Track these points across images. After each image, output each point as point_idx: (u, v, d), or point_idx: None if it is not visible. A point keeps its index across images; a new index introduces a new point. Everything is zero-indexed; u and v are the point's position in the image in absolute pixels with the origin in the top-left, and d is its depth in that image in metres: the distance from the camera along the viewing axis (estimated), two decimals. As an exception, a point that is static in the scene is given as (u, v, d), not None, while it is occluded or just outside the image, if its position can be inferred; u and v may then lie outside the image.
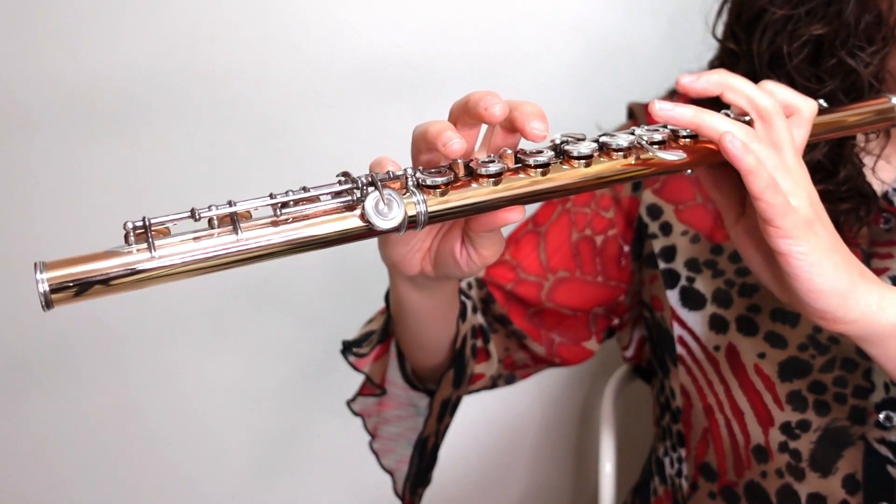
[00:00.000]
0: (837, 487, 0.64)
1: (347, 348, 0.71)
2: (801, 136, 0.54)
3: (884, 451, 0.63)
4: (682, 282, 0.72)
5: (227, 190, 0.98)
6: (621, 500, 0.87)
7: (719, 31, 0.71)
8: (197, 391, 1.08)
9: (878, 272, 0.66)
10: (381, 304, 0.72)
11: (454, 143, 0.45)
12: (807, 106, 0.54)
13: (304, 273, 1.05)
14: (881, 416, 0.64)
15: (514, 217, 0.48)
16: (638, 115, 0.78)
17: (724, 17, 0.71)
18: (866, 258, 0.66)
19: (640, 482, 0.82)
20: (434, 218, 0.46)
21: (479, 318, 0.75)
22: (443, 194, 0.46)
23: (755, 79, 0.65)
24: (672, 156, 0.51)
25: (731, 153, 0.48)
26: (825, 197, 0.64)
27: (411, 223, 0.45)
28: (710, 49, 0.74)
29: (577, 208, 0.76)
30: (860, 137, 0.67)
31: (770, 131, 0.51)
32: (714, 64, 0.75)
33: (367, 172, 0.46)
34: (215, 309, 1.04)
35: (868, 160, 0.67)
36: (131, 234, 0.39)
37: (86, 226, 0.96)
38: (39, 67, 0.94)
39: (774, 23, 0.64)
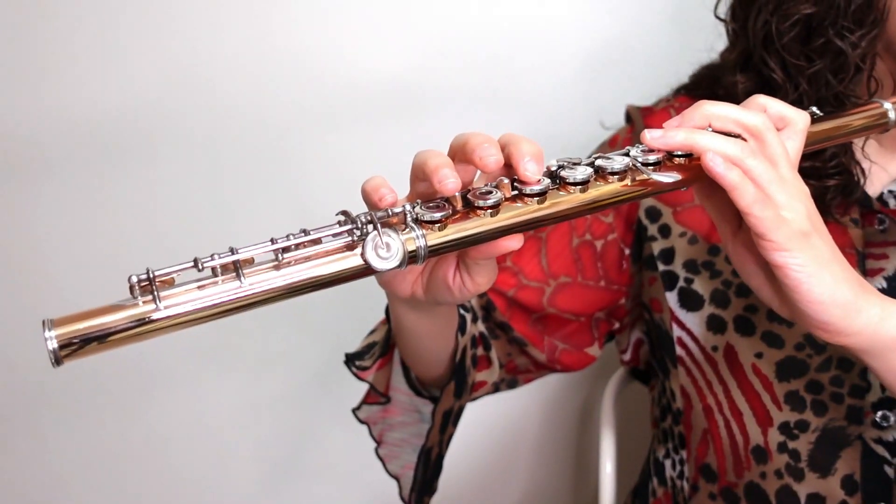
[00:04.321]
0: (836, 488, 0.65)
1: (350, 361, 0.71)
2: (795, 147, 0.54)
3: (881, 450, 0.65)
4: (681, 283, 0.72)
5: (237, 214, 0.99)
6: (621, 501, 0.88)
7: (722, 12, 0.72)
8: (201, 398, 1.08)
9: (874, 272, 0.66)
10: (382, 311, 0.72)
11: (449, 182, 0.46)
12: (799, 118, 0.54)
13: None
14: (878, 415, 0.65)
15: (513, 245, 0.49)
16: (635, 118, 0.78)
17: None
18: (861, 259, 0.67)
19: (639, 484, 0.83)
20: (434, 252, 0.46)
21: (480, 327, 0.75)
22: (441, 228, 0.46)
23: (750, 56, 0.67)
24: (667, 178, 0.51)
25: (713, 171, 0.49)
26: (812, 174, 0.65)
27: (412, 258, 0.45)
28: (713, 50, 0.74)
29: None
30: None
31: (764, 147, 0.51)
32: (724, 55, 0.74)
33: (366, 211, 0.47)
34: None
35: (857, 140, 0.67)
36: (136, 287, 0.40)
37: (98, 255, 0.96)
38: (44, 103, 0.94)
39: (769, 2, 0.65)
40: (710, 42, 0.75)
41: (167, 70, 0.95)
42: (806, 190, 0.52)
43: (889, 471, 0.64)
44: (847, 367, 0.66)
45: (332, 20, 0.98)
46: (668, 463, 0.77)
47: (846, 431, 0.66)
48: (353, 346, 0.73)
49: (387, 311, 0.70)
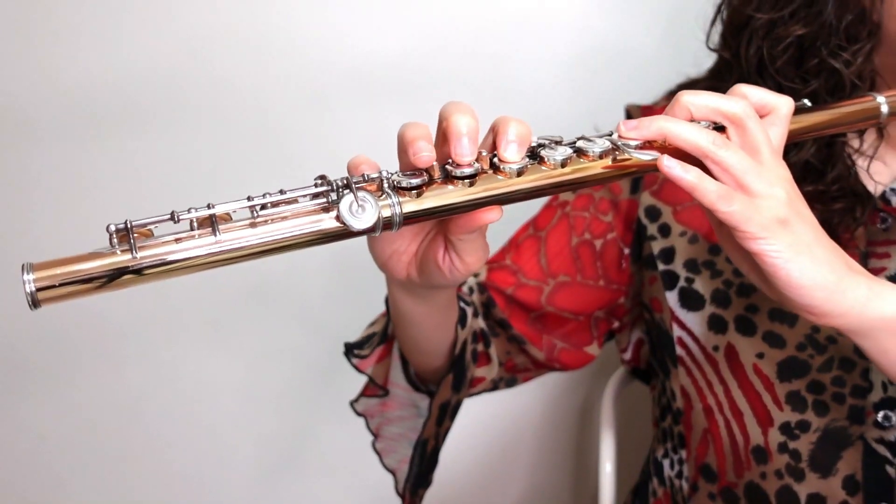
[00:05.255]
0: (837, 488, 0.64)
1: (349, 350, 0.72)
2: (779, 133, 0.54)
3: (882, 450, 0.63)
4: (681, 283, 0.72)
5: (228, 190, 1.00)
6: (621, 501, 0.87)
7: (714, 39, 0.72)
8: (199, 392, 1.09)
9: (876, 272, 0.65)
10: (383, 307, 0.73)
11: (423, 155, 0.47)
12: (782, 103, 0.54)
13: (306, 275, 1.06)
14: (879, 415, 0.64)
15: (493, 217, 0.50)
16: (635, 117, 0.78)
17: (717, 26, 0.72)
18: (864, 258, 0.66)
19: (639, 483, 0.82)
20: (409, 219, 0.47)
21: (480, 323, 0.75)
22: (418, 195, 0.47)
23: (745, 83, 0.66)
24: (647, 156, 0.51)
25: (669, 176, 0.49)
26: (816, 197, 0.64)
27: (386, 224, 0.46)
28: (707, 52, 0.74)
29: (575, 212, 0.77)
30: (851, 136, 0.67)
31: (744, 135, 0.51)
32: (713, 71, 0.75)
33: (344, 175, 0.48)
34: (218, 310, 1.06)
35: (862, 161, 0.67)
36: (114, 236, 0.41)
37: (83, 226, 0.98)
38: (39, 70, 0.96)
39: (760, 28, 0.65)
40: (699, 54, 0.75)
41: (164, 44, 0.97)
42: (787, 176, 0.52)
43: (891, 471, 0.63)
44: (849, 367, 0.65)
45: (331, 4, 1.00)
46: (666, 463, 0.76)
47: (848, 432, 0.64)
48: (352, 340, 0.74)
49: (386, 303, 0.71)
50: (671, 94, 0.78)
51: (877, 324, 0.52)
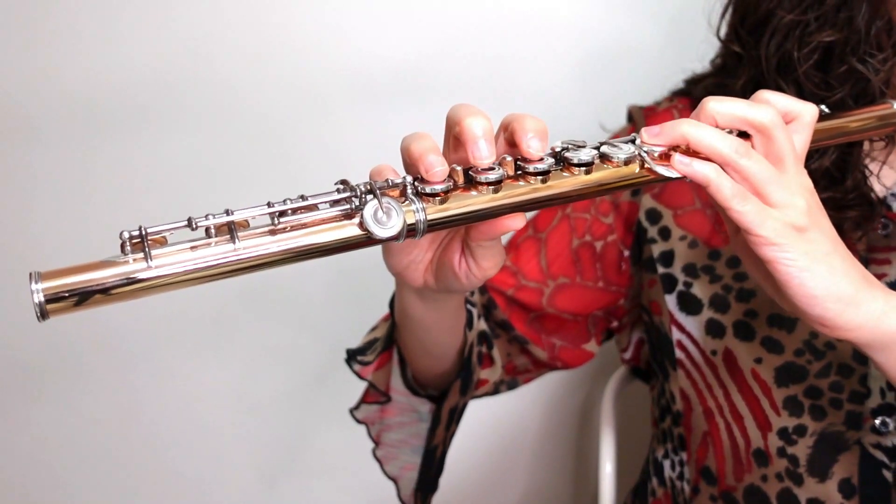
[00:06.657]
0: (834, 492, 0.64)
1: (352, 357, 0.70)
2: (802, 141, 0.53)
3: (879, 455, 0.64)
4: (680, 286, 0.72)
5: (229, 193, 0.99)
6: (621, 501, 0.87)
7: (723, 31, 0.71)
8: (199, 396, 1.08)
9: (876, 278, 0.65)
10: (384, 310, 0.72)
11: (437, 171, 0.45)
12: (807, 111, 0.53)
13: (307, 279, 1.05)
14: (877, 421, 0.64)
15: (516, 224, 0.48)
16: (637, 118, 0.77)
17: (728, 17, 0.70)
18: (864, 264, 0.66)
19: (638, 483, 0.82)
20: (433, 226, 0.45)
21: (483, 324, 0.74)
22: (442, 202, 0.46)
23: (761, 83, 0.64)
24: (670, 172, 0.50)
25: (683, 172, 0.48)
26: (831, 204, 0.63)
27: (410, 231, 0.45)
28: (712, 50, 0.74)
29: (576, 214, 0.76)
30: (865, 143, 0.66)
31: (770, 144, 0.50)
32: (716, 63, 0.74)
33: (366, 181, 0.46)
34: (218, 314, 1.04)
35: (873, 166, 0.66)
36: (127, 243, 0.39)
37: (87, 229, 0.97)
38: (40, 71, 0.94)
39: (783, 27, 0.63)
40: (704, 51, 0.74)
41: (165, 45, 0.96)
42: (809, 185, 0.51)
43: (887, 475, 0.63)
44: (847, 373, 0.65)
45: (333, 5, 0.98)
46: (666, 463, 0.76)
47: (844, 436, 0.65)
48: (352, 344, 0.72)
49: (390, 306, 0.69)
50: (675, 94, 0.78)
51: (891, 338, 0.51)
